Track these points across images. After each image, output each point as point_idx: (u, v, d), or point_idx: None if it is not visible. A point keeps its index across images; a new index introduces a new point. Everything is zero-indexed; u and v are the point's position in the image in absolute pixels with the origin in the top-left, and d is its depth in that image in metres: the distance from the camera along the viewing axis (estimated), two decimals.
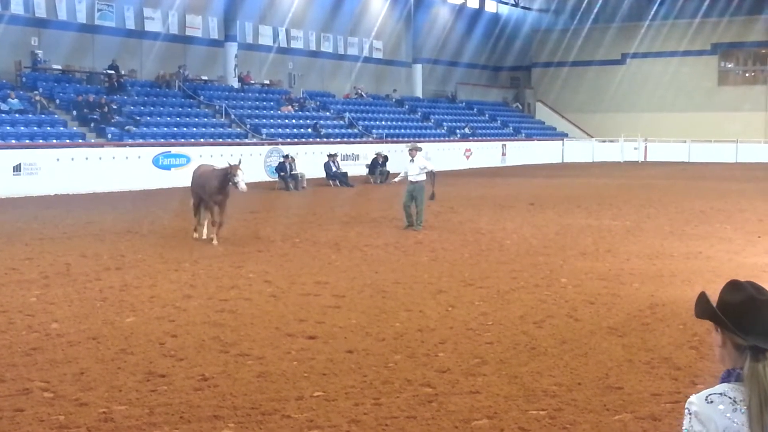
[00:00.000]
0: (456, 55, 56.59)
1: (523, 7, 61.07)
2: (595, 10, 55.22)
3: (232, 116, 37.08)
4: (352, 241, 15.99)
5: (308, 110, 42.30)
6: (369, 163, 35.64)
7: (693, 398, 2.61)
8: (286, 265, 13.29)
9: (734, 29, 53.60)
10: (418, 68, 52.87)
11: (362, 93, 48.02)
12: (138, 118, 32.96)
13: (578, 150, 54.50)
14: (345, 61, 48.11)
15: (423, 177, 17.84)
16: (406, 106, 49.87)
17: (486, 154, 47.83)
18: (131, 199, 25.39)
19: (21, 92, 30.73)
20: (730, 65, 56.75)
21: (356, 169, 35.95)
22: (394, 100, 49.82)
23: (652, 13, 54.65)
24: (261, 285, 11.53)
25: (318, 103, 43.86)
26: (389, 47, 51.44)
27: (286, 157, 31.47)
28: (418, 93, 52.81)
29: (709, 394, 2.60)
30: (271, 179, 32.78)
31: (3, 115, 28.82)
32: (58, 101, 31.97)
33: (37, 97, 30.88)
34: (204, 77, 39.62)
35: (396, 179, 19.37)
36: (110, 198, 25.83)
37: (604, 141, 55.22)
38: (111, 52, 35.29)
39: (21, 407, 6.52)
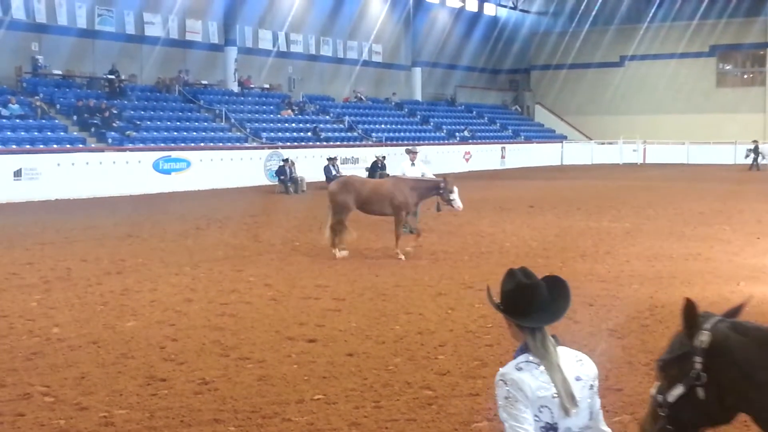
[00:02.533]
0: (455, 58, 56.64)
1: (522, 10, 61.13)
2: (594, 13, 55.26)
3: (232, 120, 37.12)
4: (352, 245, 15.99)
5: (308, 114, 42.34)
6: (368, 166, 35.65)
7: (504, 370, 3.07)
8: (287, 268, 13.31)
9: (732, 31, 53.65)
10: (418, 71, 52.93)
11: (362, 96, 48.06)
12: (138, 122, 33.00)
13: (577, 152, 54.54)
14: (344, 64, 48.15)
15: None
16: (406, 110, 49.91)
17: (485, 156, 47.86)
18: (132, 204, 25.41)
19: (21, 97, 30.78)
20: (728, 67, 56.80)
21: (356, 172, 35.92)
22: (393, 103, 49.86)
23: (651, 15, 54.70)
24: (261, 289, 11.56)
25: (317, 106, 43.90)
26: (388, 50, 51.49)
27: (286, 160, 31.50)
28: (418, 96, 52.86)
29: (518, 363, 3.08)
30: (271, 183, 32.82)
31: (4, 120, 28.86)
32: (58, 106, 32.02)
33: (38, 102, 30.94)
34: (204, 81, 39.68)
35: None
36: (111, 202, 25.86)
37: (603, 143, 55.25)
38: (111, 57, 35.35)
39: (22, 412, 6.54)
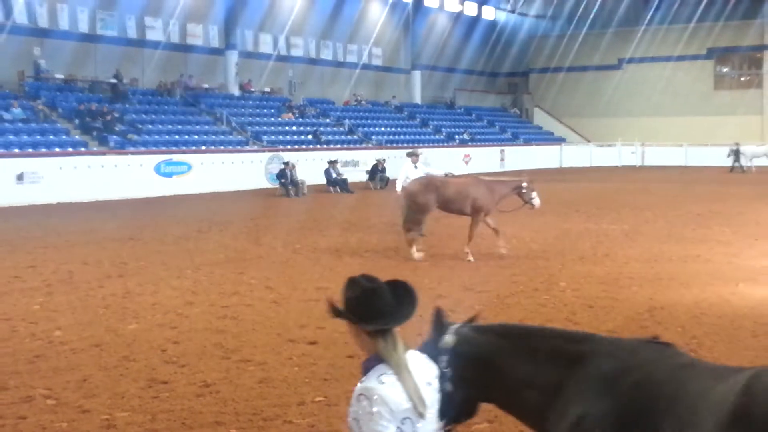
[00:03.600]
0: (454, 61, 56.71)
1: (520, 14, 61.21)
2: (592, 16, 55.31)
3: (233, 123, 37.19)
4: (353, 247, 16.06)
5: (308, 117, 42.41)
6: (369, 169, 35.74)
7: (366, 386, 3.01)
8: (288, 271, 13.36)
9: (729, 34, 53.71)
10: (417, 75, 53.01)
11: (361, 100, 48.13)
12: (139, 126, 33.07)
13: (576, 155, 54.60)
14: (344, 68, 48.23)
15: None
16: (405, 113, 49.98)
17: (484, 159, 47.89)
18: (133, 207, 25.46)
19: (24, 101, 30.85)
20: (725, 69, 56.86)
21: (356, 175, 36.04)
22: (393, 106, 49.93)
23: (648, 18, 54.77)
24: (262, 291, 11.60)
25: (318, 109, 43.97)
26: (388, 54, 51.57)
27: (287, 163, 31.56)
28: (417, 99, 52.93)
29: (379, 376, 3.03)
30: (272, 186, 32.87)
31: (6, 124, 28.94)
32: (60, 110, 32.09)
33: (40, 106, 31.02)
34: (205, 85, 39.75)
35: (398, 189, 18.30)
36: (112, 206, 25.91)
37: (601, 145, 55.30)
38: (112, 61, 35.44)
39: (24, 415, 6.58)
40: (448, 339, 3.60)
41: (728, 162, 44.70)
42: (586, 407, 3.28)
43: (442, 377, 3.44)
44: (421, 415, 3.03)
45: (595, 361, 3.39)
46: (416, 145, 42.20)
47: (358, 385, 3.06)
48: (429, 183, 15.01)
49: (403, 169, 17.91)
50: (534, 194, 15.10)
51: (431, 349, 3.57)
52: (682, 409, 3.07)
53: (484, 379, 3.56)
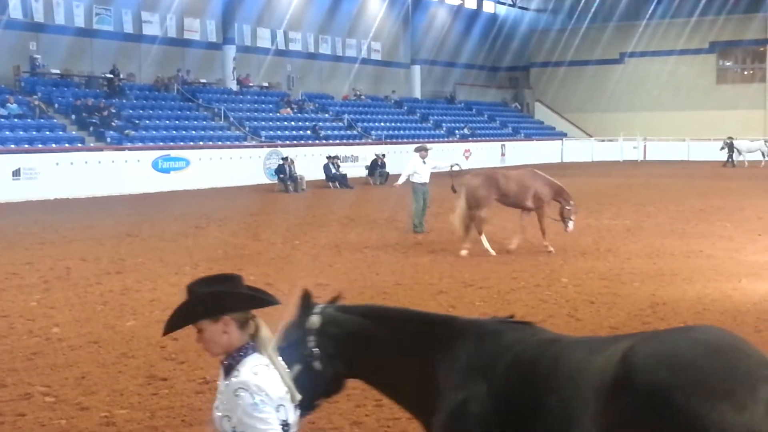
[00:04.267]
0: (454, 55, 56.59)
1: (521, 7, 61.08)
2: (593, 10, 55.19)
3: (231, 119, 37.09)
4: (352, 243, 15.98)
5: (307, 112, 42.31)
6: (368, 164, 35.65)
7: (242, 379, 2.96)
8: (287, 267, 13.29)
9: (732, 27, 53.60)
10: (417, 69, 52.88)
11: (361, 94, 48.03)
12: (137, 121, 32.96)
13: (577, 149, 54.49)
14: (343, 62, 48.12)
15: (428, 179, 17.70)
16: (405, 107, 49.88)
17: (485, 154, 47.80)
18: (131, 203, 25.38)
19: (20, 97, 30.73)
20: (728, 63, 56.77)
21: (355, 170, 35.96)
22: (392, 101, 49.83)
23: (650, 11, 54.66)
24: (261, 287, 11.50)
25: (317, 104, 43.87)
26: (387, 48, 51.45)
27: (286, 159, 31.46)
28: (417, 94, 52.82)
29: (252, 368, 2.99)
30: (271, 181, 32.78)
31: (2, 120, 28.82)
32: (56, 105, 31.97)
33: (36, 102, 30.88)
34: (202, 80, 39.64)
35: (399, 182, 18.26)
36: (110, 202, 25.83)
37: (603, 140, 55.22)
38: (109, 56, 35.33)
39: (22, 412, 6.53)
40: (314, 319, 3.72)
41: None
42: (462, 392, 3.35)
43: (311, 356, 3.59)
44: (293, 400, 3.05)
45: (464, 344, 3.48)
46: (417, 140, 42.06)
47: (232, 380, 2.98)
48: (490, 177, 15.05)
49: (411, 163, 17.79)
50: (573, 217, 15.28)
51: (296, 330, 3.70)
52: (562, 383, 3.16)
53: (352, 356, 3.70)
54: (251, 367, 3.00)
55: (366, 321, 3.74)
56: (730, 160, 44.22)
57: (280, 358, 3.12)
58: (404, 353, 3.63)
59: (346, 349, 3.68)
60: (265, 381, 2.97)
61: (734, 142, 44.81)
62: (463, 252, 14.33)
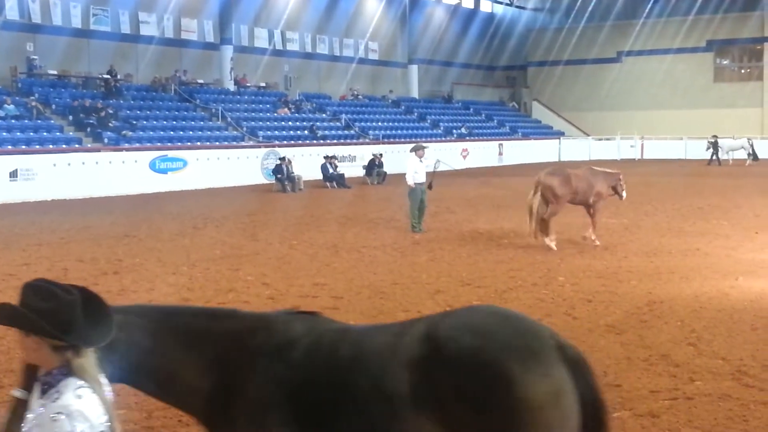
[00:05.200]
0: (451, 55, 56.60)
1: (518, 6, 61.09)
2: (590, 9, 55.25)
3: (229, 119, 37.07)
4: (350, 243, 15.98)
5: (304, 112, 42.30)
6: (366, 164, 35.65)
7: (63, 403, 2.72)
8: (284, 267, 13.28)
9: (729, 26, 53.64)
10: (414, 69, 52.88)
11: (358, 94, 48.02)
12: (134, 122, 32.94)
13: (575, 148, 54.49)
14: (340, 62, 48.10)
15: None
16: (403, 107, 49.88)
17: (483, 153, 47.82)
18: (128, 204, 25.36)
19: (17, 98, 30.71)
20: (725, 62, 56.80)
21: (353, 170, 35.95)
22: (390, 100, 49.82)
23: (647, 10, 54.71)
24: (259, 287, 11.53)
25: (314, 104, 43.86)
26: (384, 48, 51.44)
27: (283, 159, 31.44)
28: (414, 93, 52.82)
29: (75, 391, 2.75)
30: (268, 181, 32.77)
31: None
32: (54, 106, 31.93)
33: (33, 103, 30.85)
34: (200, 80, 39.61)
35: (411, 183, 17.94)
36: (107, 202, 25.80)
37: (600, 139, 55.23)
38: (106, 57, 35.30)
39: None
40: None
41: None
42: (261, 386, 3.35)
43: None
44: (114, 430, 2.82)
45: (254, 338, 3.45)
46: (415, 140, 42.07)
47: (50, 403, 2.75)
48: (567, 176, 15.39)
49: (411, 164, 17.64)
50: (624, 187, 15.93)
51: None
52: (372, 362, 3.26)
53: (134, 362, 3.48)
54: (74, 390, 2.77)
55: (145, 322, 3.55)
56: (714, 158, 44.64)
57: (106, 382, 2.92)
58: (190, 354, 3.48)
59: (128, 355, 3.45)
60: (88, 407, 2.74)
61: (718, 140, 45.21)
62: (552, 243, 14.69)
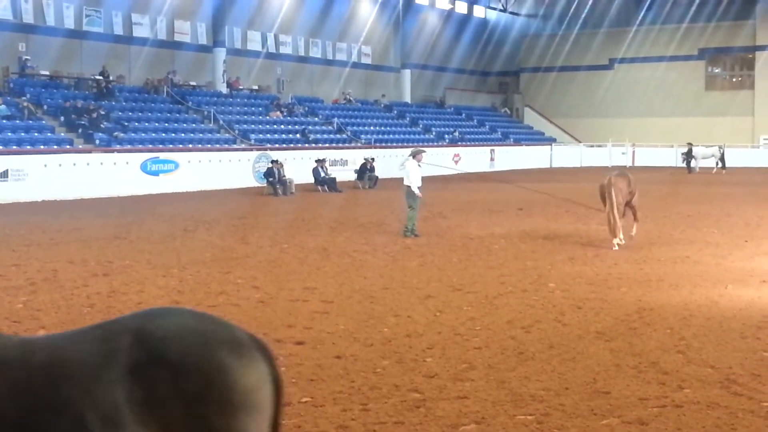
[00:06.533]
0: (444, 60, 56.70)
1: (512, 13, 61.26)
2: (583, 16, 55.46)
3: (221, 122, 37.03)
4: (341, 247, 15.98)
5: (297, 116, 42.29)
6: (357, 168, 35.65)
7: None
8: (275, 270, 13.26)
9: (721, 34, 53.91)
10: (407, 73, 52.95)
11: (351, 98, 48.04)
12: (126, 123, 32.87)
13: (566, 155, 54.66)
14: (333, 66, 48.13)
15: None
16: (395, 112, 49.92)
17: (474, 159, 47.87)
18: (119, 205, 25.30)
19: (8, 98, 30.61)
20: (717, 70, 57.07)
21: (345, 174, 35.95)
22: (382, 105, 49.85)
23: (640, 18, 54.93)
24: (249, 291, 11.51)
25: (306, 108, 43.85)
26: (378, 53, 51.50)
27: (275, 162, 31.41)
28: (407, 98, 52.87)
29: None
30: (260, 185, 32.74)
31: None
32: (45, 107, 31.86)
33: (25, 103, 30.77)
34: (192, 83, 39.57)
35: (418, 192, 17.44)
36: (98, 204, 25.73)
37: (592, 146, 55.38)
38: (99, 58, 35.23)
39: None
40: None
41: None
42: None
43: None
44: None
45: None
46: (407, 144, 42.20)
47: None
48: (627, 177, 16.19)
49: (413, 169, 17.48)
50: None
51: None
52: (73, 370, 3.22)
53: None
54: None
55: None
56: (689, 166, 45.35)
57: None
58: None
59: None
60: None
61: (693, 148, 45.73)
62: (622, 242, 15.52)
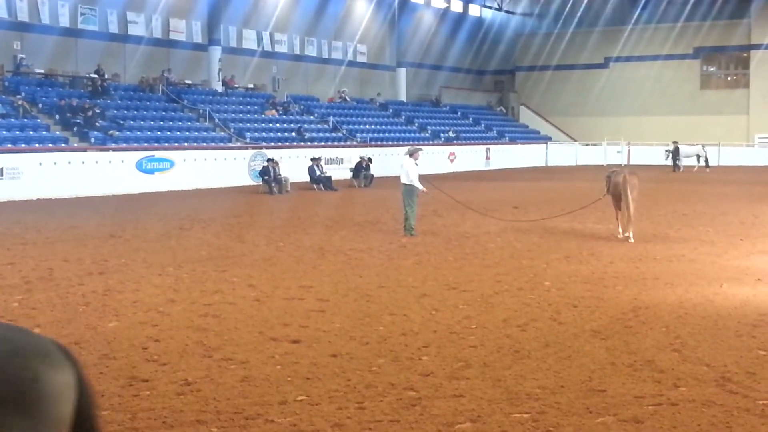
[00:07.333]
0: (440, 59, 56.73)
1: (507, 11, 61.30)
2: (579, 15, 55.53)
3: (216, 120, 37.00)
4: (336, 245, 15.97)
5: (292, 114, 42.27)
6: (353, 167, 35.65)
7: None
8: (270, 269, 13.26)
9: (716, 33, 54.03)
10: (402, 72, 52.97)
11: (346, 97, 48.03)
12: (121, 122, 32.83)
13: (562, 153, 54.73)
14: (329, 65, 48.12)
15: None
16: (390, 110, 49.92)
17: (470, 157, 47.92)
18: (114, 204, 25.27)
19: (3, 96, 30.56)
20: (712, 69, 57.19)
21: (340, 173, 35.95)
22: (378, 104, 49.85)
23: (635, 17, 55.03)
24: (245, 289, 11.50)
25: (302, 106, 43.84)
26: (373, 51, 51.49)
27: (270, 160, 31.40)
28: (402, 97, 52.89)
29: None
30: (255, 183, 32.72)
31: None
32: (40, 105, 31.80)
33: (20, 102, 30.70)
34: (188, 81, 39.54)
35: (422, 187, 17.52)
36: (93, 202, 25.70)
37: (587, 144, 55.47)
38: (94, 56, 35.18)
39: None
40: None
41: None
42: None
43: None
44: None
45: None
46: (402, 143, 42.17)
47: None
48: (636, 174, 16.84)
49: (411, 168, 17.45)
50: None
51: None
52: None
53: None
54: None
55: None
56: (675, 165, 45.53)
57: None
58: None
59: None
60: None
61: (678, 146, 46.00)
62: (632, 237, 16.11)
